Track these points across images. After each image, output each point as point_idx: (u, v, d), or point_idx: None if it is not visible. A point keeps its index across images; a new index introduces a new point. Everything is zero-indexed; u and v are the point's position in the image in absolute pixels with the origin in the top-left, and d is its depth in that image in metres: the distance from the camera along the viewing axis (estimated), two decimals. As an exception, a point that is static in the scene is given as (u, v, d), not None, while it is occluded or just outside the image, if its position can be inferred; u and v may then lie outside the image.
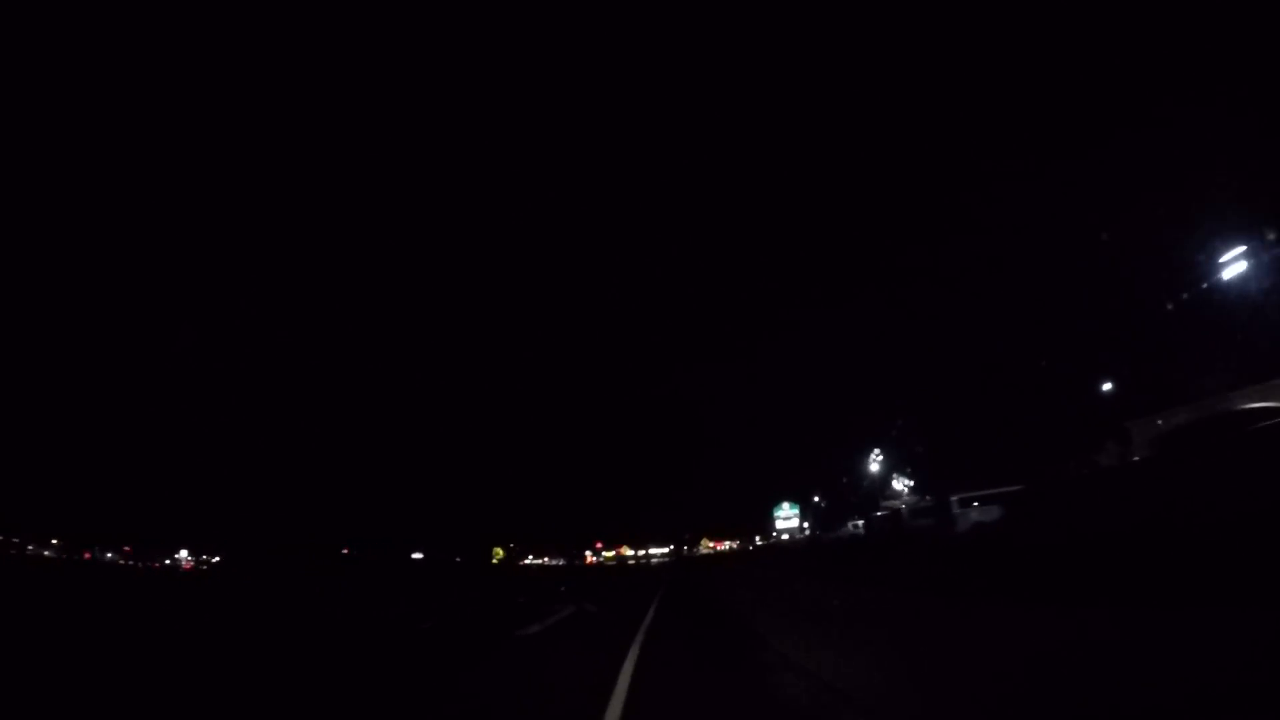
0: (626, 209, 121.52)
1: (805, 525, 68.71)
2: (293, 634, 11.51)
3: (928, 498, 46.06)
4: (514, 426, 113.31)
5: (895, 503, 46.93)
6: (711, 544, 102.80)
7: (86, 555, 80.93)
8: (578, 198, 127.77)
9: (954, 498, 24.65)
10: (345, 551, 71.87)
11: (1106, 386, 43.27)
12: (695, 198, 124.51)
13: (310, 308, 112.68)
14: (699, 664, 7.84)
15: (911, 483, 47.85)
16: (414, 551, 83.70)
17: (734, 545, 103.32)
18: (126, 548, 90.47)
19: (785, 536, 75.49)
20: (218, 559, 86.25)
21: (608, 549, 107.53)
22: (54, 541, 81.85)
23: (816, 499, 62.81)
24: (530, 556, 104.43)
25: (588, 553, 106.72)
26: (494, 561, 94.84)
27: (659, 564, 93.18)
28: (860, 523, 40.31)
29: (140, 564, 79.09)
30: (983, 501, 24.31)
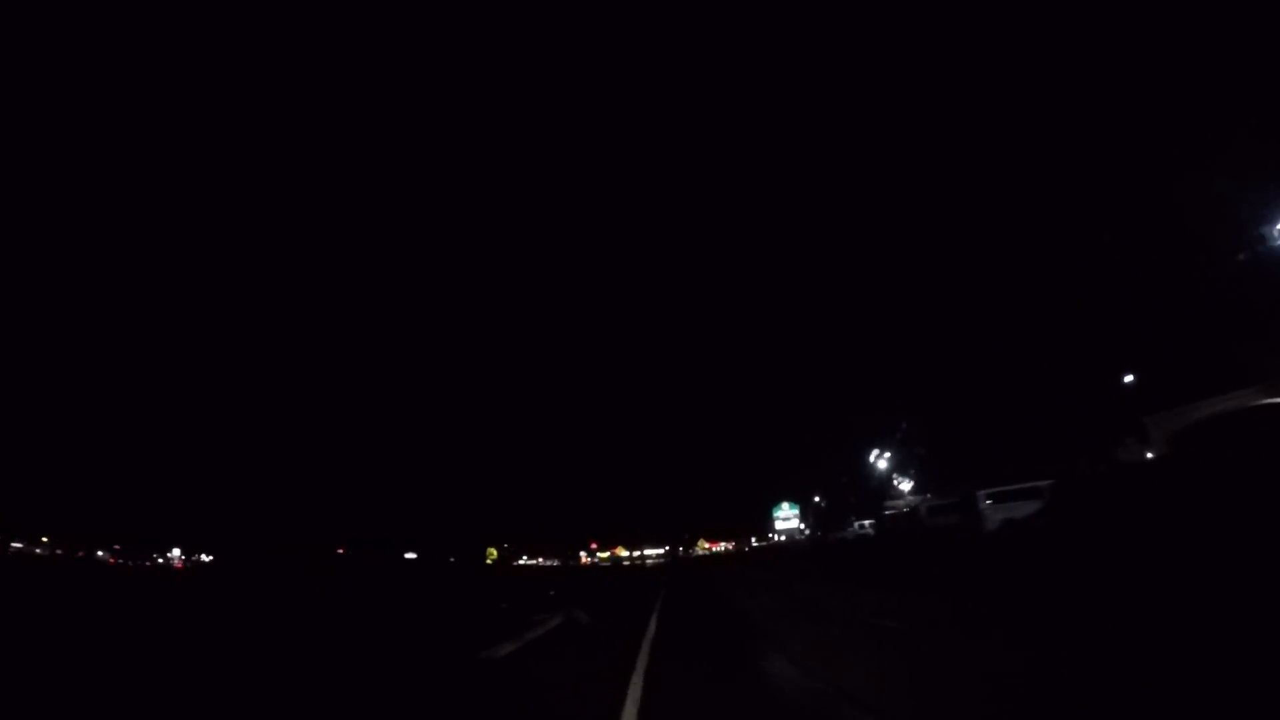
0: (625, 208, 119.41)
1: (805, 526, 66.22)
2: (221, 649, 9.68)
3: (929, 495, 44.23)
4: (510, 426, 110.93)
5: (898, 502, 44.85)
6: (708, 545, 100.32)
7: (80, 554, 79.22)
8: (576, 197, 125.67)
9: (983, 492, 22.34)
10: (340, 551, 71.18)
11: (1120, 383, 41.18)
12: (695, 198, 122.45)
13: (307, 307, 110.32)
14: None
15: (912, 483, 45.71)
16: (407, 551, 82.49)
17: (730, 546, 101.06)
18: (117, 546, 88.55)
19: (782, 538, 73.09)
20: (208, 558, 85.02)
21: (603, 550, 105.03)
22: (44, 540, 79.91)
23: (817, 499, 60.38)
24: (525, 557, 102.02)
25: (582, 553, 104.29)
26: (488, 562, 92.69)
27: (654, 564, 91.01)
28: (867, 523, 37.98)
29: (131, 563, 77.39)
30: (1007, 498, 22.01)
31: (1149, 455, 28.84)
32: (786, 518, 68.57)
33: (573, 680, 6.74)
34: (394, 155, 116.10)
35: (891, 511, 36.30)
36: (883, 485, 46.54)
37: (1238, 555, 7.84)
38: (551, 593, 21.77)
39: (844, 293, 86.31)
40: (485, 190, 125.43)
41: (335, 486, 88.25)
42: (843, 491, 53.13)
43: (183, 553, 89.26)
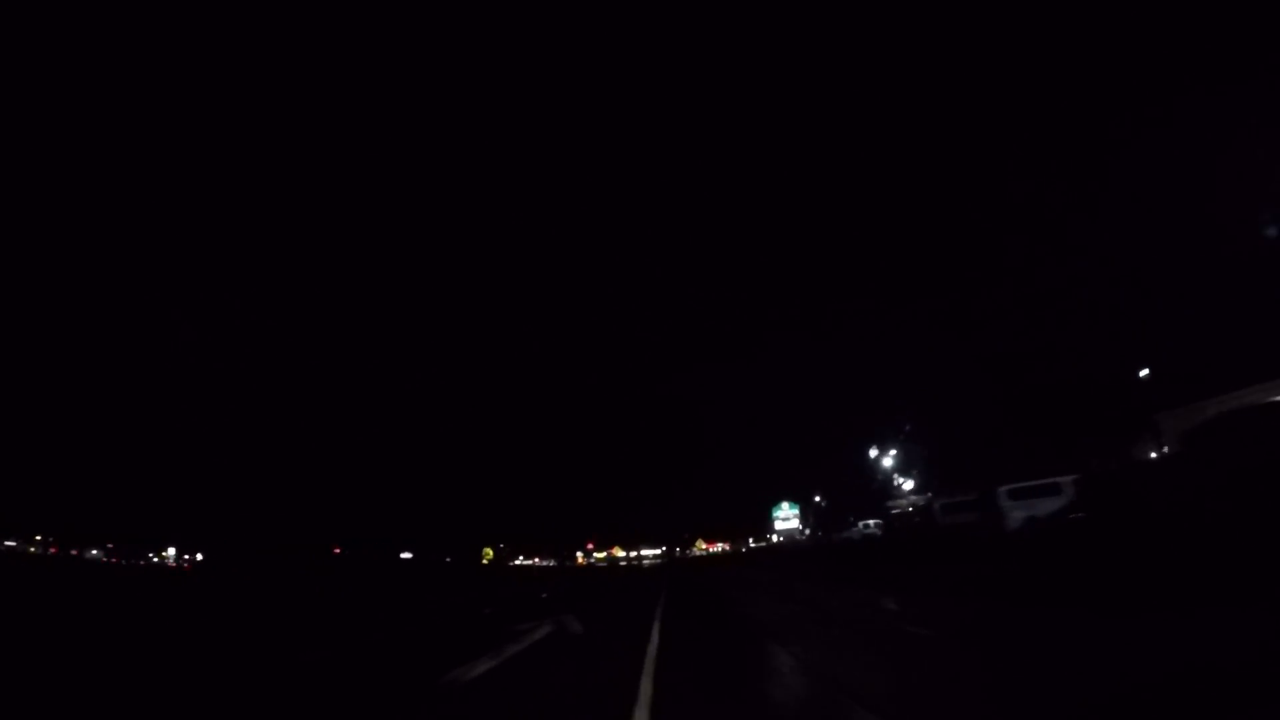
0: (623, 207, 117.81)
1: (805, 527, 64.46)
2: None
3: (930, 494, 42.98)
4: (507, 426, 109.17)
5: (901, 502, 43.49)
6: (705, 545, 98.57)
7: (74, 552, 78.24)
8: (573, 197, 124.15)
9: (1003, 489, 20.84)
10: (337, 551, 69.28)
11: (1129, 379, 39.90)
12: (695, 196, 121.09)
13: (303, 306, 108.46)
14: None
15: (913, 483, 44.30)
16: (404, 551, 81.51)
17: (726, 547, 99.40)
18: (109, 545, 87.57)
19: (779, 539, 71.36)
20: (200, 557, 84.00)
21: (599, 550, 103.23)
22: (38, 538, 78.80)
23: (817, 499, 58.66)
24: (521, 557, 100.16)
25: (579, 554, 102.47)
26: (484, 562, 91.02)
27: (651, 565, 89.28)
28: (872, 522, 36.42)
29: (124, 561, 76.25)
30: (1028, 494, 20.49)
31: (1164, 452, 27.90)
32: (786, 518, 66.66)
33: (557, 714, 5.10)
34: (391, 154, 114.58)
35: (899, 510, 34.82)
36: (885, 485, 45.16)
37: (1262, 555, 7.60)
38: (543, 595, 20.01)
39: (845, 292, 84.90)
40: (482, 188, 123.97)
41: (332, 486, 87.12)
42: (844, 491, 51.59)
43: (177, 552, 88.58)
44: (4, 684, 6.52)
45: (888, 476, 43.22)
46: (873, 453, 49.64)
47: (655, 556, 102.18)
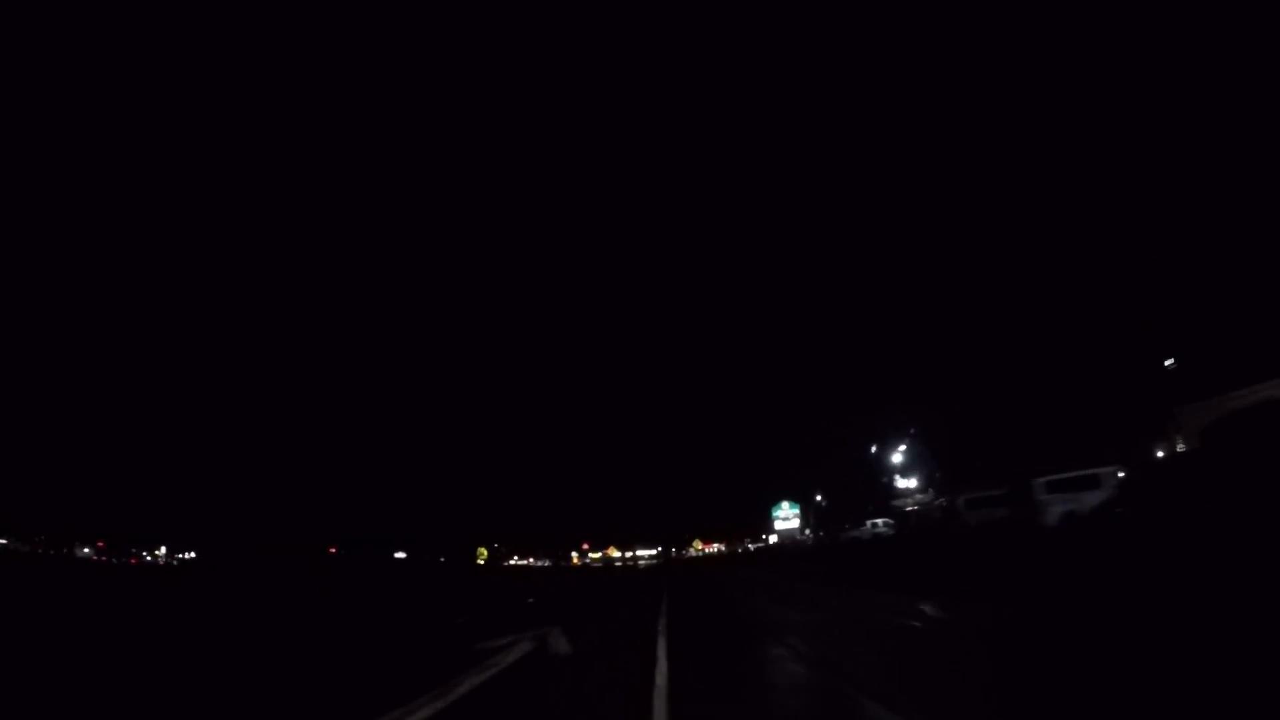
0: (620, 205, 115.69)
1: (806, 528, 62.07)
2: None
3: (931, 491, 41.17)
4: (503, 426, 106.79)
5: (906, 501, 41.52)
6: (702, 546, 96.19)
7: (64, 550, 76.62)
8: (568, 196, 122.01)
9: (1042, 480, 18.82)
10: (333, 551, 67.64)
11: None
12: (693, 193, 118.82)
13: (298, 305, 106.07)
14: None
15: (916, 482, 42.27)
16: (398, 551, 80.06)
17: (722, 548, 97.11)
18: (100, 543, 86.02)
19: (774, 539, 69.10)
20: (191, 556, 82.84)
21: (594, 550, 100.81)
22: (36, 538, 77.13)
23: (819, 498, 56.33)
24: (515, 558, 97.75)
25: (574, 554, 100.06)
26: (479, 562, 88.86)
27: (647, 566, 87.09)
28: (880, 522, 34.22)
29: (114, 560, 74.80)
30: (1066, 486, 18.46)
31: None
32: (786, 518, 64.19)
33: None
34: (385, 152, 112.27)
35: (913, 508, 32.72)
36: (890, 484, 43.11)
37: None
38: (530, 600, 17.60)
39: (845, 290, 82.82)
40: (475, 184, 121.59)
41: (327, 485, 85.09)
42: (846, 491, 49.38)
43: (169, 551, 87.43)
44: None
45: (894, 474, 41.04)
46: (873, 450, 47.68)
47: (651, 557, 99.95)
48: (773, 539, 73.06)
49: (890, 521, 33.79)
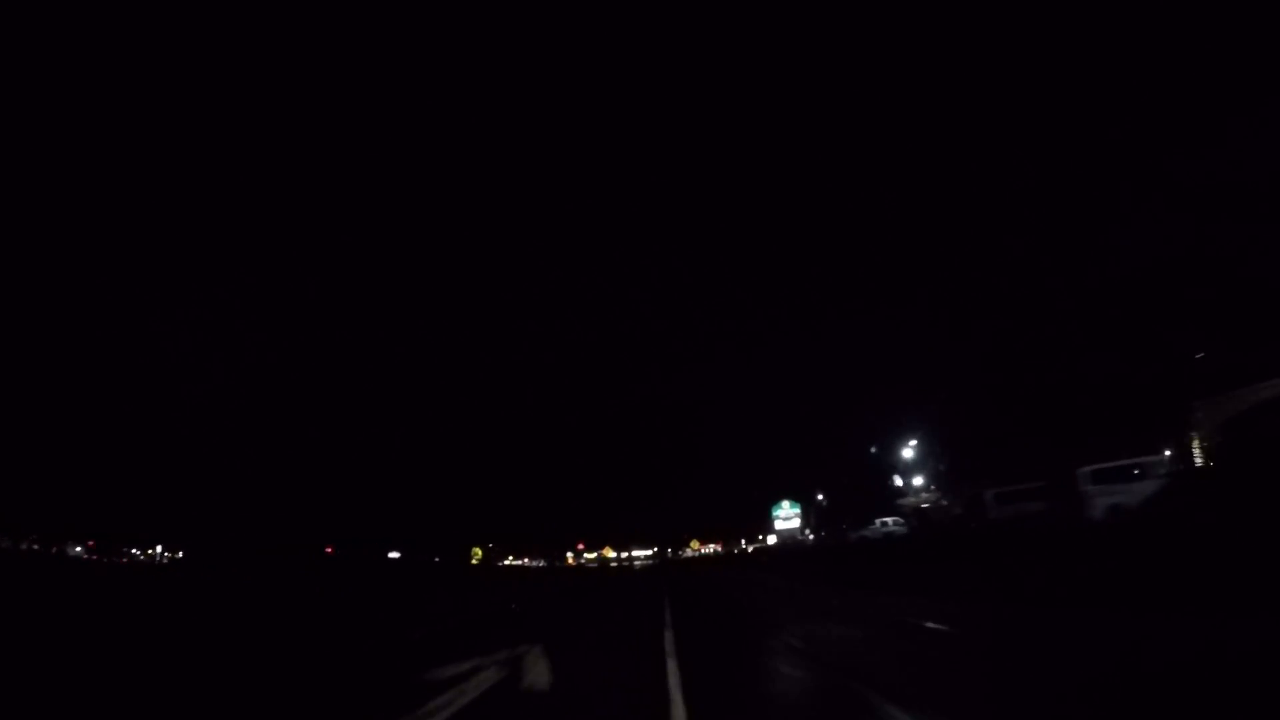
0: (616, 203, 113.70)
1: (807, 528, 59.79)
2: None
3: (933, 488, 39.45)
4: (499, 425, 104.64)
5: (912, 500, 39.53)
6: (699, 546, 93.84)
7: (55, 549, 74.66)
8: (563, 195, 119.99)
9: (1087, 469, 16.77)
10: (329, 551, 65.47)
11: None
12: (686, 189, 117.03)
13: (293, 304, 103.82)
14: None
15: (919, 480, 40.24)
16: (391, 551, 78.09)
17: (718, 548, 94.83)
18: (90, 542, 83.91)
19: (773, 540, 66.97)
20: (180, 555, 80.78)
21: (590, 550, 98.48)
22: (32, 536, 75.25)
23: (820, 497, 54.17)
24: (511, 557, 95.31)
25: (569, 554, 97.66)
26: (473, 562, 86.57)
27: (643, 566, 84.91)
28: (890, 520, 32.13)
29: (105, 559, 72.70)
30: (1112, 477, 16.39)
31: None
32: (787, 517, 61.86)
33: None
34: (387, 152, 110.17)
35: (927, 505, 30.71)
36: (899, 482, 41.10)
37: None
38: (513, 606, 15.32)
39: (846, 287, 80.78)
40: (473, 185, 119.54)
41: (323, 484, 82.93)
42: (849, 490, 47.29)
43: (164, 550, 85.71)
44: None
45: (905, 471, 39.00)
46: (873, 450, 45.85)
47: (647, 558, 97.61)
48: (770, 539, 70.96)
49: (901, 520, 31.73)
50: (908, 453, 37.24)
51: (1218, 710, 3.69)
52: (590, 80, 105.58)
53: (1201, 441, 23.98)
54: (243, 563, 42.95)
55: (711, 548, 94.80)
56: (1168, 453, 25.32)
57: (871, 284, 69.91)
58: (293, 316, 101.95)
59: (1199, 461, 23.35)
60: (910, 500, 38.72)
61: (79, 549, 79.02)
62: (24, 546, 67.04)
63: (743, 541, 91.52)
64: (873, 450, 45.70)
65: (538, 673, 6.21)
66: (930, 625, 8.56)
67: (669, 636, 8.31)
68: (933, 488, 39.01)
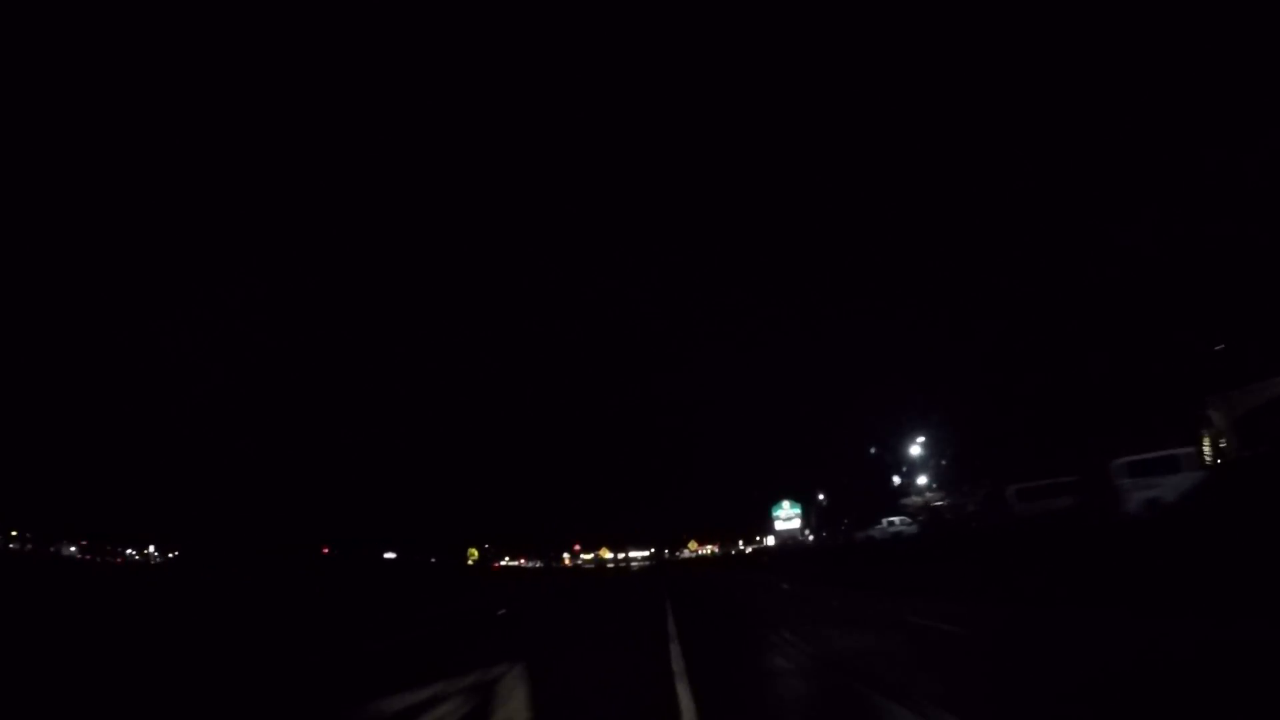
0: (612, 200, 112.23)
1: (807, 529, 58.22)
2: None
3: (937, 486, 38.32)
4: (497, 425, 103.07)
5: (916, 499, 38.22)
6: (697, 547, 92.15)
7: (50, 549, 73.31)
8: (566, 192, 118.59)
9: (1122, 460, 15.44)
10: (325, 551, 64.69)
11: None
12: (691, 190, 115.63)
13: (288, 303, 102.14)
14: None
15: (924, 480, 38.93)
16: (387, 551, 76.86)
17: (715, 549, 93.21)
18: (84, 541, 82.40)
19: (772, 541, 65.40)
20: (172, 555, 79.49)
21: (586, 551, 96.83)
22: (12, 534, 73.70)
23: (821, 497, 52.66)
24: (507, 558, 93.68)
25: (565, 555, 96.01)
26: (469, 563, 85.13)
27: (640, 568, 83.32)
28: (897, 519, 30.73)
29: (98, 559, 71.31)
30: (1147, 469, 15.03)
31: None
32: (788, 517, 60.19)
33: None
34: (385, 150, 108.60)
35: (940, 503, 29.34)
36: (897, 481, 39.77)
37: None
38: (501, 612, 13.72)
39: (847, 285, 79.21)
40: (471, 184, 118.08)
41: (319, 484, 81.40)
42: (851, 490, 45.92)
43: (158, 549, 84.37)
44: None
45: (908, 470, 37.66)
46: (873, 450, 44.64)
47: (644, 559, 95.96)
48: (768, 540, 69.33)
49: (908, 520, 30.33)
50: (915, 449, 35.88)
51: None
52: (590, 80, 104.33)
53: (1215, 438, 22.82)
54: (232, 563, 41.65)
55: (709, 549, 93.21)
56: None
57: (872, 284, 68.47)
58: (291, 316, 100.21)
59: (1208, 458, 22.34)
60: (915, 500, 37.42)
61: (73, 549, 77.70)
62: (15, 546, 65.77)
63: (740, 543, 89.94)
64: (872, 451, 44.52)
65: (513, 708, 4.73)
66: (959, 632, 7.16)
67: (675, 655, 6.83)
68: (935, 487, 37.78)
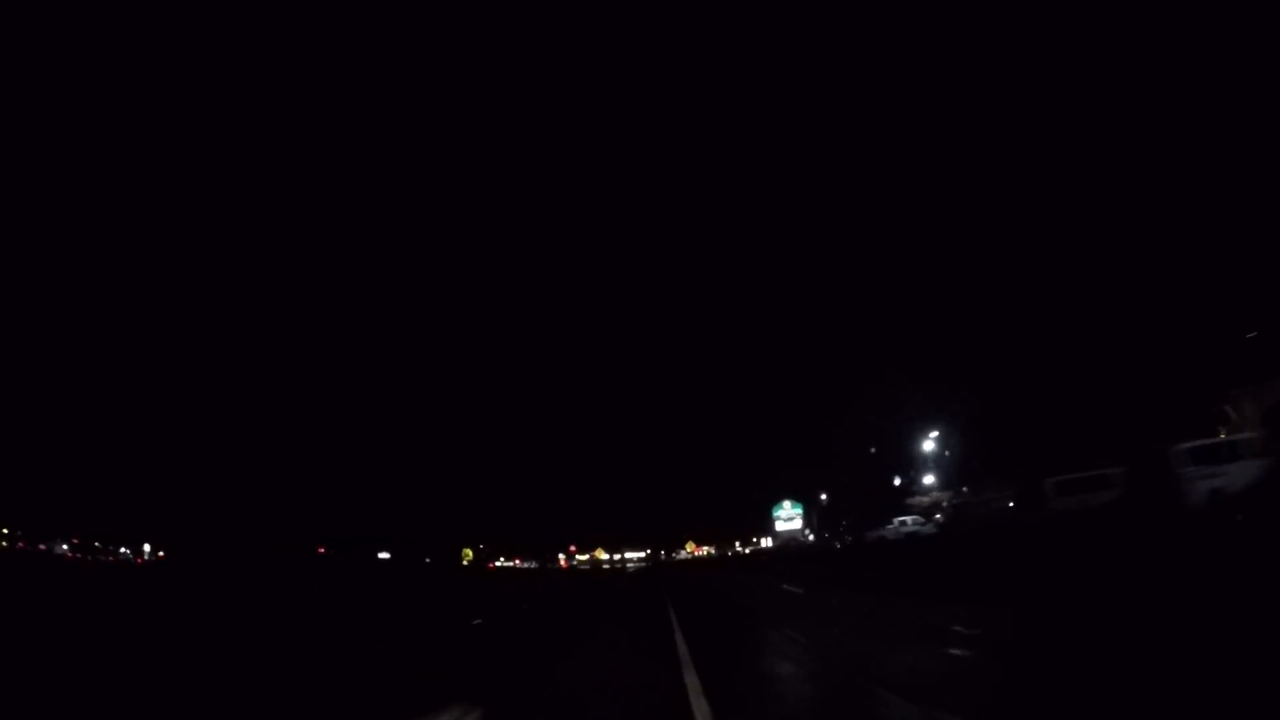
0: (614, 201, 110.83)
1: (808, 529, 56.67)
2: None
3: (940, 485, 37.03)
4: (494, 426, 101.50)
5: (922, 498, 36.79)
6: (694, 549, 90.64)
7: (41, 547, 71.78)
8: (565, 192, 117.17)
9: (1184, 446, 13.86)
10: (321, 551, 64.24)
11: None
12: (691, 190, 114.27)
13: (285, 303, 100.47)
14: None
15: (932, 478, 37.48)
16: (382, 551, 75.52)
17: (711, 551, 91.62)
18: (74, 539, 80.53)
19: (770, 542, 63.80)
20: (159, 555, 77.71)
21: (582, 552, 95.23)
22: (3, 531, 72.20)
23: (823, 497, 51.09)
24: (502, 559, 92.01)
25: (561, 556, 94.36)
26: (463, 563, 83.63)
27: (635, 569, 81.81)
28: (909, 519, 29.16)
29: (88, 557, 69.72)
30: (1210, 456, 13.45)
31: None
32: (789, 517, 58.39)
33: None
34: (383, 150, 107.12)
35: (956, 502, 27.77)
36: (897, 481, 38.35)
37: None
38: (476, 623, 11.82)
39: (848, 283, 77.63)
40: (470, 184, 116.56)
41: (315, 484, 79.79)
42: (856, 490, 44.47)
43: (152, 548, 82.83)
44: None
45: (915, 468, 36.20)
46: (873, 450, 43.32)
47: (640, 560, 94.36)
48: (766, 541, 67.73)
49: (920, 519, 28.75)
50: (923, 447, 34.38)
51: None
52: (590, 80, 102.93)
53: (1233, 431, 21.55)
54: (225, 564, 40.39)
55: (706, 550, 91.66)
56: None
57: (872, 283, 66.95)
58: (287, 315, 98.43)
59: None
60: (921, 499, 35.97)
61: (64, 547, 76.17)
62: (4, 544, 64.16)
63: (737, 544, 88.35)
64: (872, 451, 43.19)
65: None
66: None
67: (691, 686, 5.13)
68: (942, 485, 36.46)
